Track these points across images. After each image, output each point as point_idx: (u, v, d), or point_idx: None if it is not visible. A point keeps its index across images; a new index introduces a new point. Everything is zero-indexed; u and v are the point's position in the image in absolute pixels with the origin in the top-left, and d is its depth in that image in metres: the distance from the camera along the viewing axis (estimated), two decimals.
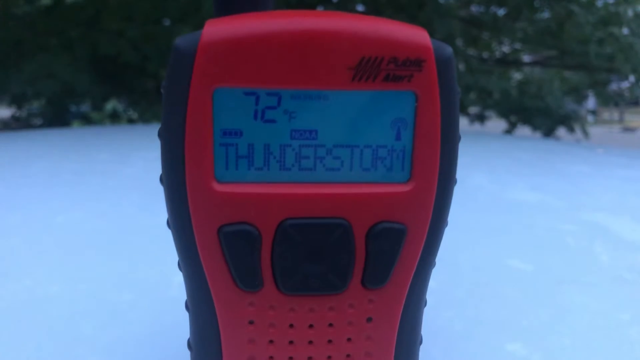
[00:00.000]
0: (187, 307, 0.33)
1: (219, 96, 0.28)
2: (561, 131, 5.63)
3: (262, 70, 0.27)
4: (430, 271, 0.33)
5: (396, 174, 0.30)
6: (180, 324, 0.47)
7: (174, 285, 0.58)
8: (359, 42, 0.28)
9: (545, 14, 4.89)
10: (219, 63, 0.27)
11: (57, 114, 5.57)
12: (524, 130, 5.64)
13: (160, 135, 0.29)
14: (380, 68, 0.28)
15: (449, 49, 0.29)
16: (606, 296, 0.60)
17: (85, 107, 6.19)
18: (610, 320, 0.54)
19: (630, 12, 4.68)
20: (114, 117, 6.13)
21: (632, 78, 4.87)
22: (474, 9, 5.36)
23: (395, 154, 0.30)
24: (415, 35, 0.28)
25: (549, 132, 5.49)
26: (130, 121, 5.94)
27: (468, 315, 0.54)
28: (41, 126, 5.48)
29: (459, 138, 0.30)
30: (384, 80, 0.28)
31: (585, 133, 5.65)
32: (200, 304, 0.32)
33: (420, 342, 0.35)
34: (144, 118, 5.50)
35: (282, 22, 0.28)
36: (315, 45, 0.27)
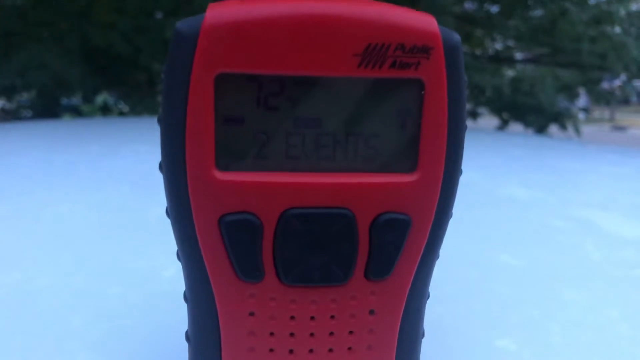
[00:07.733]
0: (185, 298, 0.32)
1: (221, 81, 0.27)
2: (553, 129, 5.64)
3: (266, 55, 0.27)
4: (434, 263, 0.32)
5: (401, 164, 0.29)
6: (172, 317, 0.46)
7: (165, 278, 0.58)
8: (366, 28, 0.27)
9: (539, 12, 4.90)
10: (222, 47, 0.26)
11: (47, 106, 5.50)
12: (516, 127, 5.66)
13: (160, 121, 0.28)
14: (387, 55, 0.27)
15: (456, 36, 0.28)
16: (596, 292, 0.60)
17: (75, 100, 6.13)
18: (600, 316, 0.54)
19: (622, 11, 4.70)
20: (105, 110, 6.07)
21: (623, 76, 4.90)
22: (468, 5, 5.35)
23: (400, 143, 0.29)
24: (423, 21, 0.28)
25: (541, 130, 5.50)
26: (121, 114, 5.89)
27: (458, 311, 0.54)
28: (31, 118, 5.41)
29: (466, 127, 0.30)
30: (390, 67, 0.28)
31: (577, 131, 5.67)
32: (199, 295, 0.31)
33: (423, 336, 0.34)
34: (136, 111, 5.45)
35: (287, 6, 0.27)
36: (321, 30, 0.27)
